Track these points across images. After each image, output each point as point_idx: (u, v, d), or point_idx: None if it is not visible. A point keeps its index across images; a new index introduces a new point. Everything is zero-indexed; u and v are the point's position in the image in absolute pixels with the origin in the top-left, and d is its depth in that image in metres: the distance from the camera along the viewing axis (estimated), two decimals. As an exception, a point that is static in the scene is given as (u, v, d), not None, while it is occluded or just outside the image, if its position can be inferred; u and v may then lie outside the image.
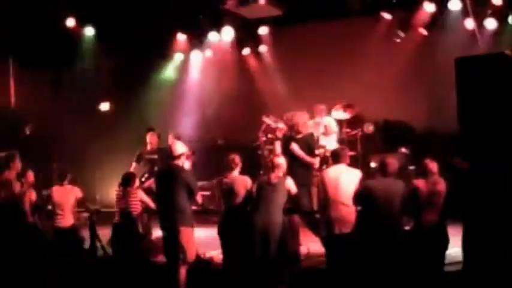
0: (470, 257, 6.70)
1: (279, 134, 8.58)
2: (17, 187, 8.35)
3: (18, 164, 8.45)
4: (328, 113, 11.03)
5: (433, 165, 6.80)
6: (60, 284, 7.95)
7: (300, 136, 8.35)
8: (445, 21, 11.25)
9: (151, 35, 12.72)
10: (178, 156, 7.54)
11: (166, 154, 8.98)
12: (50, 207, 8.23)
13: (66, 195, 8.17)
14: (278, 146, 8.60)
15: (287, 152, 8.14)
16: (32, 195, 7.92)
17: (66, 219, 8.10)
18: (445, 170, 6.94)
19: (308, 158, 8.18)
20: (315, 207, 8.15)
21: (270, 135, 9.62)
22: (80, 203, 8.34)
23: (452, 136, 8.75)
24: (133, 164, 9.57)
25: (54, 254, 7.99)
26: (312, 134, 8.66)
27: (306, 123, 8.52)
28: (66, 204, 8.12)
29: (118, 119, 12.86)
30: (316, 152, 8.39)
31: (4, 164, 8.42)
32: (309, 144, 8.32)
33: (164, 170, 7.86)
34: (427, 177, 6.75)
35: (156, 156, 9.51)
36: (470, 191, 6.68)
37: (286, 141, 8.39)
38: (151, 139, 9.68)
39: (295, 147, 8.18)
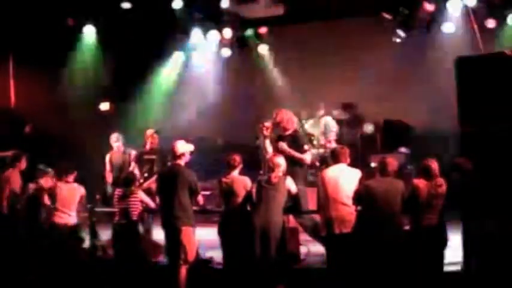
0: (470, 257, 6.70)
1: (266, 132, 8.52)
2: (17, 186, 8.42)
3: (23, 164, 8.54)
4: (328, 112, 11.03)
5: (435, 167, 6.79)
6: (59, 284, 7.97)
7: (287, 133, 8.33)
8: (445, 21, 11.26)
9: (151, 35, 12.73)
10: (180, 155, 7.55)
11: (165, 154, 9.00)
12: (49, 202, 8.15)
13: (72, 193, 8.14)
14: (268, 144, 8.54)
15: (277, 151, 8.13)
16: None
17: (70, 217, 8.07)
18: (446, 170, 6.93)
19: (297, 154, 8.13)
20: (309, 206, 8.14)
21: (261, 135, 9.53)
22: (82, 203, 8.30)
23: (452, 136, 8.76)
24: (132, 164, 9.57)
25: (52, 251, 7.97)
26: (298, 130, 8.62)
27: (292, 120, 8.44)
28: (71, 202, 8.10)
29: (118, 119, 12.85)
30: (306, 147, 8.33)
31: (10, 163, 8.53)
32: (297, 140, 8.28)
33: (167, 169, 7.86)
34: (429, 178, 6.74)
35: (154, 157, 9.49)
36: (472, 190, 6.68)
37: (275, 141, 8.39)
38: (151, 139, 9.66)
39: (283, 146, 8.16)
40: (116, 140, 9.94)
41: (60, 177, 8.25)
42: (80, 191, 8.26)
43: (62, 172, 8.24)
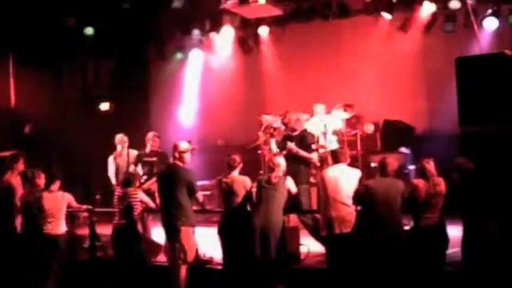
0: (470, 257, 6.70)
1: (274, 132, 8.61)
2: (18, 188, 8.38)
3: (21, 165, 8.48)
4: (329, 112, 11.02)
5: (430, 166, 6.80)
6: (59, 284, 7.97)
7: (295, 134, 8.41)
8: (445, 21, 11.26)
9: (151, 35, 12.74)
10: (181, 156, 7.54)
11: (165, 157, 9.00)
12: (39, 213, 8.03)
13: (58, 203, 7.96)
14: (273, 145, 8.61)
15: (285, 151, 8.18)
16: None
17: (58, 227, 7.94)
18: (446, 170, 6.93)
19: (305, 154, 8.21)
20: (313, 206, 8.15)
21: (268, 134, 9.61)
22: (74, 207, 8.24)
23: (452, 136, 8.76)
24: (132, 166, 9.55)
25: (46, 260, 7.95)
26: (306, 130, 8.68)
27: (299, 120, 8.56)
28: (58, 212, 7.94)
29: (118, 119, 12.86)
30: (313, 146, 8.40)
31: (8, 165, 8.47)
32: (304, 140, 8.35)
33: (166, 169, 7.87)
34: (426, 178, 6.75)
35: (155, 159, 9.48)
36: (472, 190, 6.68)
37: (283, 141, 8.46)
38: (152, 142, 9.64)
39: (291, 145, 8.24)
40: (121, 141, 9.88)
41: (45, 187, 8.04)
42: (65, 198, 8.05)
43: (46, 182, 8.05)
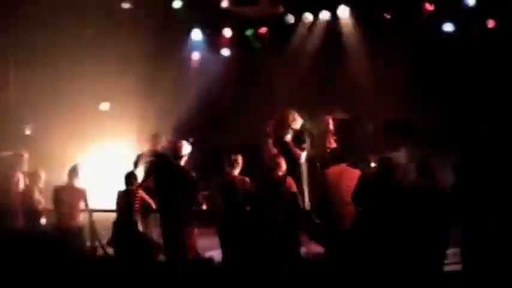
0: (470, 256, 6.71)
1: (272, 132, 8.66)
2: (19, 186, 8.42)
3: (25, 165, 8.55)
4: (329, 112, 11.03)
5: (431, 165, 6.81)
6: (60, 284, 7.98)
7: (290, 133, 8.48)
8: (445, 21, 11.28)
9: (152, 35, 12.74)
10: (182, 156, 7.56)
11: (165, 157, 9.01)
12: (55, 206, 8.22)
13: (77, 195, 8.25)
14: (271, 144, 8.65)
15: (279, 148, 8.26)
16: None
17: (75, 219, 8.14)
18: (446, 169, 6.94)
19: (296, 150, 8.29)
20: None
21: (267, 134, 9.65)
22: (85, 202, 8.39)
23: (451, 136, 8.78)
24: (133, 166, 9.55)
25: (56, 253, 8.01)
26: (301, 131, 8.75)
27: (297, 121, 8.63)
28: (76, 204, 8.17)
29: (118, 119, 12.85)
30: (304, 146, 8.48)
31: (11, 164, 8.54)
32: (298, 139, 8.43)
33: (166, 169, 7.88)
34: (427, 177, 6.77)
35: (153, 159, 9.48)
36: (472, 190, 6.69)
37: (279, 139, 8.52)
38: (151, 142, 9.64)
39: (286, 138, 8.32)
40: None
41: (68, 181, 8.34)
42: (84, 192, 8.41)
43: (68, 175, 8.32)
